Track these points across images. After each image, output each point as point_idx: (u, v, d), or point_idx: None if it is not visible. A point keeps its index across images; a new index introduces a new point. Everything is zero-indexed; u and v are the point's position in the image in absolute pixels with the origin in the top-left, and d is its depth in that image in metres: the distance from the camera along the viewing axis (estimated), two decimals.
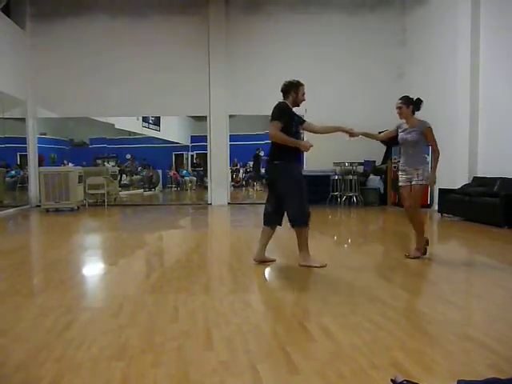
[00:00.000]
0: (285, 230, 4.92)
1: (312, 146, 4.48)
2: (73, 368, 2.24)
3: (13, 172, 15.80)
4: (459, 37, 9.02)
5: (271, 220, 4.60)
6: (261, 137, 22.55)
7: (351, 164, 10.93)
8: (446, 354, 2.38)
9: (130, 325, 2.87)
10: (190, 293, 3.60)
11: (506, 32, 7.97)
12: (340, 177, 11.12)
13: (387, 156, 11.50)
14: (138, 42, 11.77)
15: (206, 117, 12.16)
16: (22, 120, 11.97)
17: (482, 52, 8.62)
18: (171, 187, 21.45)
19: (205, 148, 12.87)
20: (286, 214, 4.47)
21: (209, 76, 11.71)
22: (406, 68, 11.49)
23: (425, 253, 4.91)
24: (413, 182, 4.89)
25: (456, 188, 8.48)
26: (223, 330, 2.77)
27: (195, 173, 21.85)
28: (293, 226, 4.43)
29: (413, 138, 4.94)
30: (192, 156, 24.02)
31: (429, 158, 4.98)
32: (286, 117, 4.34)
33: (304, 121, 4.75)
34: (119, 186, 15.61)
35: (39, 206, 10.86)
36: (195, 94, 11.84)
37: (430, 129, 4.94)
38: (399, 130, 5.08)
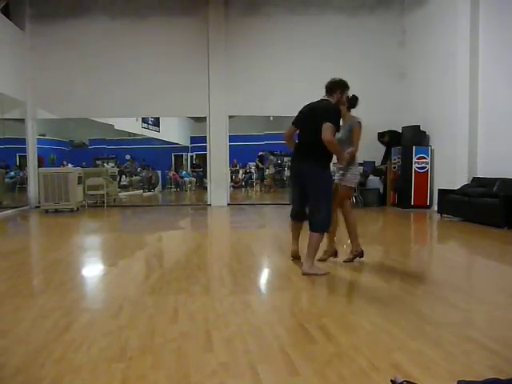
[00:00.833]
0: (286, 232, 4.91)
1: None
2: (73, 369, 2.24)
3: (12, 173, 15.81)
4: (458, 37, 9.03)
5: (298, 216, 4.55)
6: (260, 137, 22.60)
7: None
8: (446, 355, 2.38)
9: (129, 326, 2.86)
10: (189, 294, 3.60)
11: (504, 32, 7.98)
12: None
13: (387, 157, 11.51)
14: (138, 43, 11.77)
15: (205, 118, 12.16)
16: (22, 121, 11.96)
17: (481, 52, 8.64)
18: (171, 188, 21.44)
19: (204, 149, 12.86)
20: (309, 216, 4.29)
21: (208, 77, 11.72)
22: (407, 69, 11.50)
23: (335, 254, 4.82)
24: (343, 183, 4.71)
25: (455, 188, 8.49)
26: (223, 331, 2.77)
27: (195, 173, 21.84)
28: (312, 229, 4.20)
29: (340, 136, 4.54)
30: (191, 157, 24.02)
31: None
32: (339, 123, 4.14)
33: None
34: (119, 187, 15.59)
35: (38, 206, 10.86)
36: (195, 94, 11.84)
37: (359, 125, 4.63)
38: None
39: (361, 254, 4.77)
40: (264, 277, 4.51)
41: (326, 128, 3.93)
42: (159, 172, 21.30)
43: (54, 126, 19.72)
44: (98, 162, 22.39)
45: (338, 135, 4.43)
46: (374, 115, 11.38)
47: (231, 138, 12.53)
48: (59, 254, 5.63)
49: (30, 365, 2.30)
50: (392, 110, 11.41)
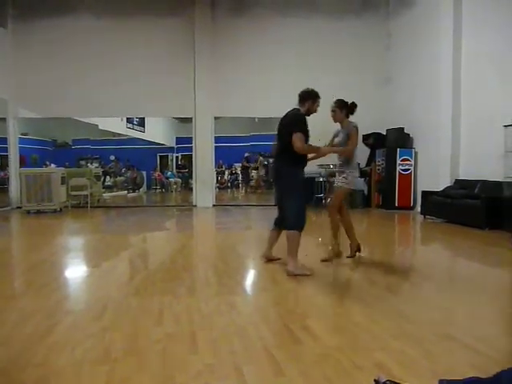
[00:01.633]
0: (268, 234, 4.92)
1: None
2: (55, 372, 2.21)
3: None
4: (442, 41, 9.17)
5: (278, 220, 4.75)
6: (246, 139, 22.61)
7: (335, 166, 10.97)
8: (428, 354, 2.42)
9: (113, 328, 2.84)
10: (174, 295, 3.58)
11: (487, 36, 8.13)
12: (324, 179, 11.19)
13: (371, 159, 11.62)
14: (123, 43, 11.69)
15: (191, 118, 12.12)
16: (3, 120, 11.78)
17: (464, 56, 8.79)
18: (156, 189, 21.31)
19: (190, 149, 12.82)
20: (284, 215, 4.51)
21: (194, 78, 11.69)
22: (392, 72, 11.64)
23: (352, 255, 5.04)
24: (337, 183, 5.02)
25: (438, 190, 8.61)
26: (208, 332, 2.76)
27: (180, 174, 21.75)
28: (285, 227, 4.41)
29: (339, 141, 4.88)
30: (177, 157, 23.92)
31: (357, 163, 4.96)
32: (306, 129, 4.39)
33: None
34: (103, 188, 15.45)
35: (20, 207, 10.69)
36: (180, 95, 11.80)
37: (355, 129, 4.84)
38: (335, 136, 5.02)
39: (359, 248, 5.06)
40: (249, 278, 4.51)
41: (295, 138, 4.23)
42: (144, 173, 21.14)
43: (36, 125, 19.45)
44: (82, 163, 22.14)
45: (338, 139, 4.86)
46: (359, 118, 11.34)
47: (217, 139, 12.52)
48: (41, 255, 5.55)
49: (12, 368, 2.26)
50: (377, 113, 11.52)
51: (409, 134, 10.61)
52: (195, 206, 12.03)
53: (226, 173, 22.59)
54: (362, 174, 11.61)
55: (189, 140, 12.83)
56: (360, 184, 11.51)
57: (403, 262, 4.95)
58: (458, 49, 8.84)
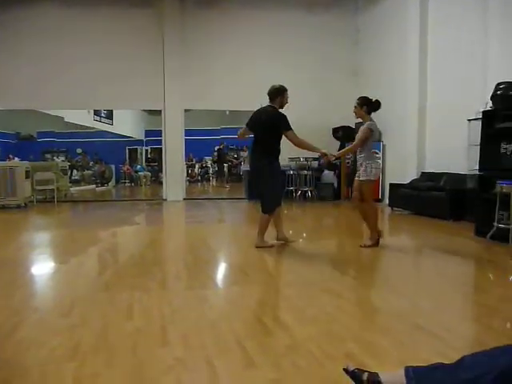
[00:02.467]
0: (242, 226, 4.93)
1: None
2: (21, 371, 2.15)
3: None
4: (408, 36, 9.35)
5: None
6: (216, 132, 22.48)
7: (306, 159, 11.09)
8: (397, 344, 2.48)
9: (81, 324, 2.78)
10: (144, 290, 3.54)
11: (452, 31, 8.32)
12: (295, 172, 11.27)
13: None
14: (91, 33, 11.36)
15: (160, 111, 11.95)
16: None
17: (430, 50, 8.99)
18: (125, 183, 20.96)
19: (160, 143, 12.64)
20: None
21: (163, 70, 11.51)
22: (360, 67, 11.78)
23: (377, 243, 5.17)
24: (360, 178, 5.16)
25: (405, 183, 8.81)
26: (179, 326, 2.75)
27: (150, 168, 21.45)
28: (262, 211, 5.08)
29: (358, 136, 5.24)
30: (146, 151, 23.56)
31: (379, 155, 5.23)
32: (289, 122, 4.98)
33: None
34: (70, 182, 15.07)
35: None
36: (149, 87, 11.60)
37: (366, 129, 5.16)
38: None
39: (378, 237, 5.28)
40: (220, 271, 4.51)
41: (291, 136, 4.96)
42: (113, 166, 20.72)
43: None
44: (48, 156, 21.48)
45: (357, 135, 5.26)
46: (328, 111, 11.61)
47: (187, 132, 12.39)
48: (5, 252, 5.37)
49: None
50: (346, 107, 11.54)
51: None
52: (165, 199, 11.90)
53: (197, 166, 22.44)
54: (332, 166, 11.76)
55: (158, 133, 12.66)
56: (330, 177, 11.67)
57: (372, 254, 5.05)
58: (424, 43, 9.04)
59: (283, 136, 5.01)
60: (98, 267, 4.69)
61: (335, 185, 11.64)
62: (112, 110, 19.12)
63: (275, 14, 11.73)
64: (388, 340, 2.52)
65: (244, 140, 5.29)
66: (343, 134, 11.51)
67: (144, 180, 20.08)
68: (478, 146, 6.11)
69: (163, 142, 11.96)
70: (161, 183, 14.45)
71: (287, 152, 11.05)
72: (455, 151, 7.90)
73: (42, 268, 4.69)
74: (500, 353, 1.60)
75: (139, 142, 23.44)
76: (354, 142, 5.23)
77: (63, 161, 18.40)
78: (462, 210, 7.30)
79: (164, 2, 11.43)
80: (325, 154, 5.18)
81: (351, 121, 11.33)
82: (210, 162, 22.31)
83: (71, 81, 11.26)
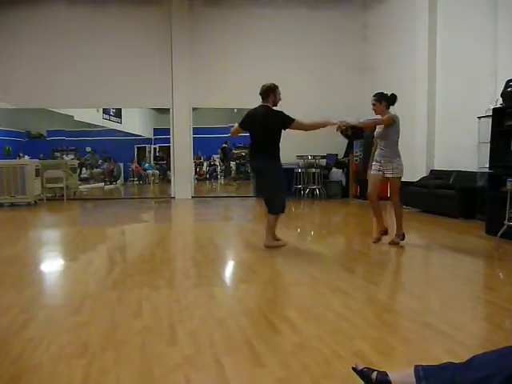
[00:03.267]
0: (250, 224, 4.92)
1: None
2: (31, 368, 2.17)
3: None
4: (417, 33, 9.26)
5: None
6: (224, 130, 22.44)
7: (314, 157, 11.06)
8: (405, 342, 2.47)
9: (91, 322, 2.80)
10: (153, 287, 3.55)
11: (461, 27, 8.24)
12: (303, 170, 11.24)
13: (349, 149, 11.71)
14: (99, 32, 11.42)
15: (168, 109, 11.98)
16: None
17: (439, 47, 8.90)
18: (133, 181, 21.03)
19: (168, 141, 12.69)
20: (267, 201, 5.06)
21: (172, 68, 11.53)
22: (368, 64, 11.69)
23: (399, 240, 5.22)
24: (387, 175, 5.17)
25: (414, 181, 8.75)
26: (187, 324, 2.75)
27: (158, 166, 21.52)
28: (270, 212, 4.98)
29: (379, 133, 5.25)
30: (155, 149, 23.62)
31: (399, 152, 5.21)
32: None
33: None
34: (79, 180, 15.17)
35: None
36: (158, 86, 11.63)
37: (388, 117, 5.18)
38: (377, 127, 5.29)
39: (403, 237, 5.26)
40: (228, 269, 4.52)
41: (298, 125, 4.93)
42: (121, 164, 20.82)
43: (9, 116, 18.92)
44: (57, 154, 21.63)
45: (378, 130, 5.29)
46: (336, 109, 11.53)
47: (195, 130, 12.41)
48: (16, 249, 5.42)
49: None
50: (354, 104, 11.56)
51: None
52: (173, 197, 11.94)
53: (205, 164, 22.46)
54: (340, 164, 11.72)
55: (167, 131, 12.70)
56: (338, 175, 11.62)
57: (380, 251, 5.03)
58: (433, 41, 8.95)
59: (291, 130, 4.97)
60: (107, 265, 4.71)
61: (343, 183, 11.59)
62: (121, 109, 19.20)
63: (282, 12, 11.70)
64: (397, 338, 2.50)
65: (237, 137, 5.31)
66: (352, 132, 11.43)
67: (152, 178, 20.15)
68: (488, 144, 6.05)
69: (171, 140, 12.00)
70: (169, 181, 14.49)
71: (295, 150, 11.10)
72: (465, 149, 7.82)
73: (51, 266, 4.73)
74: (510, 352, 1.58)
75: (148, 141, 23.52)
76: (376, 121, 5.27)
77: (72, 159, 18.52)
78: (471, 208, 7.24)
79: (172, 1, 11.44)
80: (335, 124, 5.18)
81: (359, 118, 11.27)
82: (218, 160, 22.31)
83: (80, 80, 11.34)
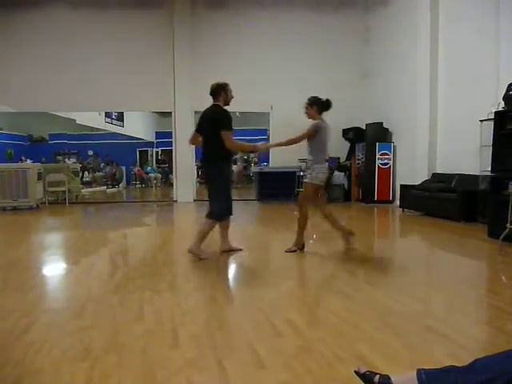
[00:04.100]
0: (252, 226, 4.92)
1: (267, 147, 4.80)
2: (33, 371, 2.17)
3: None
4: (419, 37, 9.28)
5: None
6: None
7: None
8: (408, 345, 2.46)
9: (93, 325, 2.80)
10: (155, 291, 3.56)
11: (463, 31, 8.25)
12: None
13: (351, 153, 11.72)
14: (100, 35, 11.47)
15: (170, 113, 12.00)
16: None
17: (441, 51, 8.91)
18: (135, 184, 21.06)
19: (170, 144, 12.70)
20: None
21: (174, 71, 11.56)
22: (371, 67, 11.72)
23: (302, 248, 5.05)
24: (305, 180, 5.17)
25: (416, 184, 8.74)
26: (189, 327, 2.75)
27: (160, 169, 21.55)
28: (208, 215, 4.70)
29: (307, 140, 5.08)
30: (157, 152, 23.66)
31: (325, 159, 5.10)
32: (231, 121, 4.66)
33: None
34: (81, 183, 15.20)
35: None
36: (160, 89, 11.67)
37: (312, 125, 5.02)
38: None
39: (302, 246, 5.04)
40: (230, 272, 4.51)
41: (225, 137, 4.53)
42: (123, 168, 20.86)
43: (11, 119, 18.98)
44: (59, 158, 21.69)
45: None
46: (338, 112, 11.50)
47: None
48: (18, 252, 5.43)
49: None
50: (356, 107, 11.60)
51: (388, 129, 10.72)
52: (176, 201, 11.94)
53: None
54: (342, 168, 11.72)
55: (169, 135, 12.71)
56: (340, 178, 11.62)
57: (383, 254, 5.02)
58: (435, 44, 8.96)
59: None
60: (109, 268, 4.72)
61: (345, 186, 11.58)
62: (123, 112, 19.25)
63: (284, 14, 11.72)
64: (399, 342, 2.50)
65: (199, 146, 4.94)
66: (354, 135, 11.46)
67: (154, 181, 20.18)
68: (490, 147, 6.04)
69: (173, 143, 12.02)
70: (171, 185, 14.51)
71: (296, 153, 11.11)
72: (467, 152, 7.82)
73: (54, 269, 4.74)
74: None
75: (150, 144, 23.56)
76: (297, 137, 5.08)
77: (75, 163, 18.57)
78: (473, 212, 7.22)
79: (174, 4, 11.48)
80: (256, 147, 5.07)
81: (362, 121, 11.31)
82: None
83: (82, 83, 11.37)
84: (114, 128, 19.56)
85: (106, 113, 17.96)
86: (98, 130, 20.21)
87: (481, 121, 7.12)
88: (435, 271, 4.61)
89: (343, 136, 11.79)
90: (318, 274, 4.12)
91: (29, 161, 16.73)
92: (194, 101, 11.74)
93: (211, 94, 4.78)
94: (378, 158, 10.52)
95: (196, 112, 12.31)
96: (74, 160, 21.12)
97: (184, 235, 7.30)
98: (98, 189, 18.40)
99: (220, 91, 4.75)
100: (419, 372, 1.70)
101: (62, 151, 22.40)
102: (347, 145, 11.85)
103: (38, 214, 9.64)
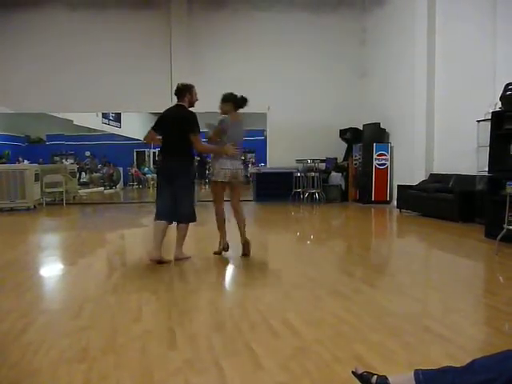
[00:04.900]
0: (249, 227, 4.92)
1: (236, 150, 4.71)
2: (30, 373, 2.17)
3: None
4: (416, 37, 9.29)
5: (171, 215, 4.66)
6: None
7: (313, 161, 11.06)
8: (406, 345, 2.46)
9: (91, 326, 2.80)
10: (153, 292, 3.55)
11: (460, 33, 8.28)
12: (302, 174, 11.24)
13: (348, 153, 11.73)
14: (98, 36, 11.45)
15: None
16: None
17: (438, 51, 8.93)
18: (133, 185, 21.02)
19: None
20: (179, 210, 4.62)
21: (171, 72, 11.54)
22: (368, 67, 11.74)
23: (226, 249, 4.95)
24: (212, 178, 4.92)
25: (414, 184, 8.75)
26: (187, 328, 2.75)
27: None
28: (182, 221, 4.67)
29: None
30: (154, 153, 23.63)
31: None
32: (198, 123, 4.63)
33: None
34: (78, 184, 15.16)
35: None
36: (156, 90, 11.63)
37: (220, 122, 4.83)
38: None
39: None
40: (228, 273, 4.51)
41: (195, 140, 4.54)
42: (121, 169, 20.82)
43: (8, 120, 18.92)
44: (57, 159, 21.63)
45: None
46: (336, 112, 11.59)
47: None
48: (15, 253, 5.41)
49: None
50: (354, 108, 11.62)
51: (385, 129, 10.74)
52: None
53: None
54: (340, 168, 11.73)
55: None
56: (337, 179, 11.63)
57: (380, 255, 5.03)
58: (432, 44, 8.97)
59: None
60: (107, 269, 4.71)
61: (343, 187, 11.59)
62: (120, 113, 19.24)
63: (282, 15, 11.72)
64: (397, 342, 2.50)
65: (157, 144, 4.86)
66: (351, 136, 11.48)
67: (152, 182, 20.13)
68: (487, 147, 6.05)
69: None
70: None
71: (294, 154, 11.13)
72: (464, 152, 7.83)
73: (51, 270, 4.72)
74: (510, 356, 1.59)
75: (147, 145, 23.53)
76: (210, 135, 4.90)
77: (72, 163, 18.51)
78: (471, 212, 7.23)
79: (171, 4, 11.47)
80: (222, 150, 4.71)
81: (359, 122, 11.32)
82: None
83: (79, 84, 11.35)
84: (111, 129, 19.54)
85: (103, 114, 17.94)
86: (95, 130, 20.19)
87: (478, 121, 7.14)
88: (433, 272, 4.61)
89: (340, 136, 11.81)
90: (316, 274, 4.13)
91: (26, 162, 16.68)
92: None
93: (176, 93, 4.77)
94: (375, 159, 10.53)
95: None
96: (72, 161, 21.06)
97: None
98: (95, 190, 18.35)
99: (186, 92, 4.72)
100: (417, 372, 1.71)
101: (59, 152, 22.34)
102: (344, 145, 11.86)
103: (36, 214, 9.61)
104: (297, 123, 11.48)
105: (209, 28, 11.65)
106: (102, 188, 19.02)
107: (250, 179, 13.66)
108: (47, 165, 15.39)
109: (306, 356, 2.31)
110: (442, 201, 7.71)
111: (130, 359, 2.30)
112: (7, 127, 20.40)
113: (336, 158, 11.89)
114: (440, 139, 8.93)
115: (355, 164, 11.27)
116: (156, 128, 4.75)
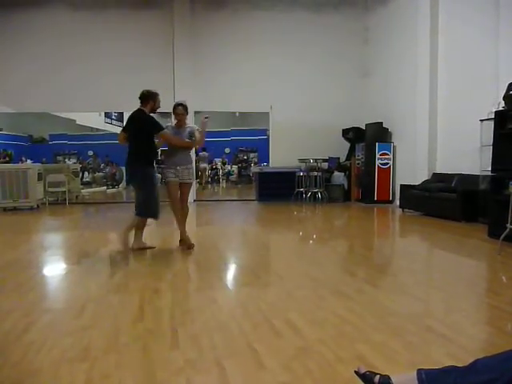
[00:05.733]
0: (252, 227, 4.92)
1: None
2: (32, 372, 2.17)
3: None
4: (418, 36, 9.27)
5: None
6: (226, 133, 22.51)
7: (316, 161, 11.06)
8: (408, 345, 2.46)
9: (93, 326, 2.80)
10: (155, 291, 3.55)
11: (463, 32, 8.25)
12: (305, 173, 11.23)
13: (351, 153, 11.71)
14: (100, 35, 11.45)
15: (170, 113, 11.97)
16: None
17: (441, 50, 8.91)
18: None
19: None
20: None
21: (173, 72, 11.55)
22: (370, 67, 11.72)
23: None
24: (186, 180, 5.42)
25: (416, 184, 8.73)
26: (189, 327, 2.75)
27: (159, 170, 21.50)
28: (137, 214, 5.15)
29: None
30: (156, 153, 23.66)
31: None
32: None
33: None
34: (81, 184, 15.19)
35: None
36: (159, 89, 11.46)
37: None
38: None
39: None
40: (230, 272, 4.51)
41: (167, 137, 5.10)
42: (123, 168, 20.83)
43: (11, 120, 18.99)
44: (59, 158, 21.69)
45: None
46: (338, 112, 11.57)
47: None
48: (17, 252, 5.43)
49: None
50: (356, 107, 11.61)
51: (387, 129, 10.72)
52: None
53: (207, 167, 22.47)
54: (342, 168, 11.72)
55: None
56: (340, 178, 11.61)
57: (382, 255, 5.02)
58: (435, 43, 8.95)
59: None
60: (109, 268, 4.72)
61: (345, 186, 11.58)
62: (123, 113, 19.25)
63: (284, 15, 11.70)
64: (399, 342, 2.49)
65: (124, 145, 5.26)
66: (353, 135, 11.46)
67: None
68: (491, 147, 6.04)
69: None
70: None
71: (297, 153, 11.12)
72: (467, 152, 7.81)
73: (54, 269, 4.73)
74: None
75: None
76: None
77: (75, 163, 18.58)
78: (474, 212, 7.22)
79: (173, 4, 11.47)
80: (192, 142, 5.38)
81: (361, 121, 11.31)
82: (219, 163, 22.34)
83: (81, 83, 11.36)
84: (113, 128, 19.58)
85: (105, 113, 18.00)
86: (97, 130, 20.22)
87: (481, 120, 7.12)
88: (435, 271, 4.60)
89: (343, 136, 11.79)
90: (318, 274, 4.12)
91: (29, 161, 16.74)
92: (193, 101, 11.72)
93: (140, 98, 5.05)
94: (378, 158, 10.51)
95: (196, 112, 12.34)
96: (74, 160, 21.14)
97: None
98: (97, 189, 18.38)
99: (149, 99, 5.04)
100: (419, 372, 1.70)
101: (62, 152, 22.41)
102: (347, 145, 11.85)
103: (39, 214, 9.63)
104: (299, 123, 11.46)
105: (211, 27, 11.64)
106: (105, 187, 19.06)
107: (253, 179, 13.66)
108: (50, 164, 15.41)
109: (309, 356, 2.31)
110: (444, 200, 7.69)
111: (132, 359, 2.31)
112: (10, 127, 20.48)
113: (339, 158, 11.88)
114: (443, 139, 8.91)
115: (358, 163, 11.25)
116: (124, 129, 5.17)
